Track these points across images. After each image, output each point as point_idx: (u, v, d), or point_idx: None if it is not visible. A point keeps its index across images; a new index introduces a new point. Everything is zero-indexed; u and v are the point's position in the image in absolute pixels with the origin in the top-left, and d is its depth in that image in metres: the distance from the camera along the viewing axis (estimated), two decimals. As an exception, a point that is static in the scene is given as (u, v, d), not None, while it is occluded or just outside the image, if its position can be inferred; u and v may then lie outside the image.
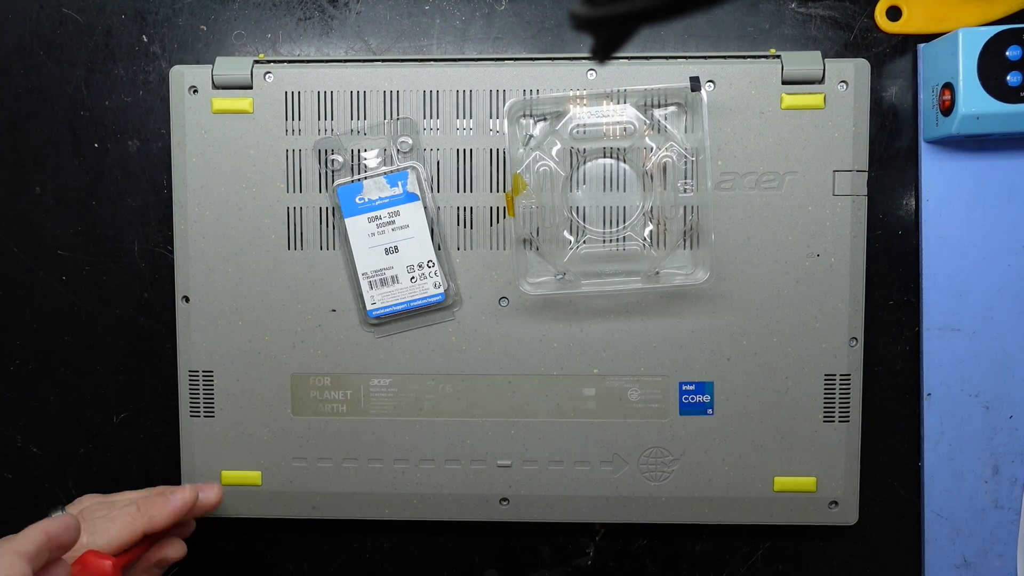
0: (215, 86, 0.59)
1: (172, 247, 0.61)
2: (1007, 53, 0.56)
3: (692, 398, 0.60)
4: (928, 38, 0.61)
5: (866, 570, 0.65)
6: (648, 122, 0.58)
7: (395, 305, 0.59)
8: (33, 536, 0.45)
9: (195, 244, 0.60)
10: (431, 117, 0.59)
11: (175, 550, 0.58)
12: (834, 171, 0.58)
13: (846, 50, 0.62)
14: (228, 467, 0.61)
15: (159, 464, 0.65)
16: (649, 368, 0.60)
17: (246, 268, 0.60)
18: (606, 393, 0.60)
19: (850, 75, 0.58)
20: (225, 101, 0.59)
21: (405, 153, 0.59)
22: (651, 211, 0.59)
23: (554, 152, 0.58)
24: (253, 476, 0.61)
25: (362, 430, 0.61)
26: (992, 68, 0.56)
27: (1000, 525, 0.62)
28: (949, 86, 0.57)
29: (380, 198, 0.59)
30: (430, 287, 0.59)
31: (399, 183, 0.59)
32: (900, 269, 0.63)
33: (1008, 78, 0.56)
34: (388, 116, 0.59)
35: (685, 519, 0.61)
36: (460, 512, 0.61)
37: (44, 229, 0.65)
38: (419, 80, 0.59)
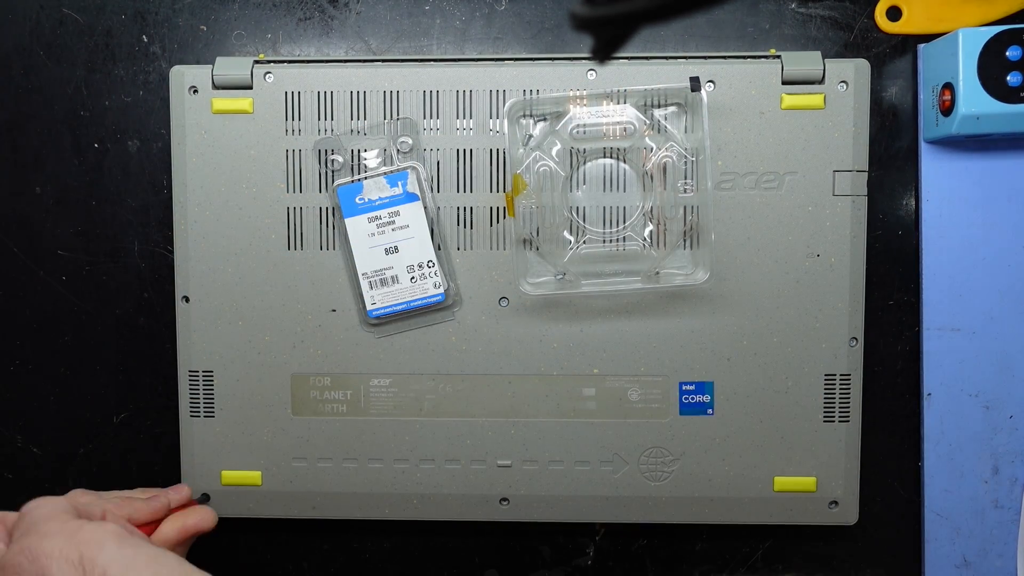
0: (215, 86, 0.59)
1: (172, 247, 0.61)
2: (1007, 53, 0.56)
3: (692, 398, 0.60)
4: (928, 38, 0.61)
5: (866, 570, 0.65)
6: (648, 122, 0.58)
7: (395, 305, 0.59)
8: (166, 532, 0.55)
9: (195, 244, 0.60)
10: (431, 117, 0.59)
11: (202, 518, 0.56)
12: (834, 171, 0.58)
13: (846, 50, 0.62)
14: (228, 467, 0.61)
15: (159, 464, 0.65)
16: (649, 368, 0.60)
17: (246, 268, 0.60)
18: (606, 393, 0.60)
19: (850, 75, 0.58)
20: (225, 101, 0.59)
21: (405, 153, 0.59)
22: (651, 211, 0.59)
23: (554, 152, 0.58)
24: (253, 476, 0.61)
25: (362, 430, 0.61)
26: (992, 68, 0.56)
27: (1000, 525, 0.62)
28: (949, 86, 0.57)
29: (380, 198, 0.59)
30: (430, 287, 0.59)
31: (399, 183, 0.59)
32: (900, 269, 0.63)
33: (1008, 78, 0.56)
34: (388, 116, 0.59)
35: (685, 519, 0.61)
36: (460, 512, 0.61)
37: (44, 229, 0.65)
38: (419, 80, 0.59)
